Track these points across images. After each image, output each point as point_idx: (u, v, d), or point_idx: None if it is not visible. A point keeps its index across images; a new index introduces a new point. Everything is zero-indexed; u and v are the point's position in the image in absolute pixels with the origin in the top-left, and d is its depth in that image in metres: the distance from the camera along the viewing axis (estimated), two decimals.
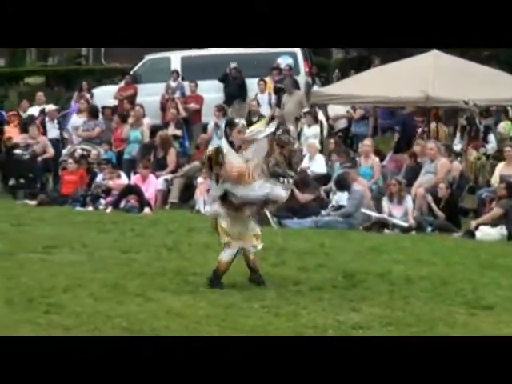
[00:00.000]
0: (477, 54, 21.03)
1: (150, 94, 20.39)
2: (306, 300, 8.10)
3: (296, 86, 19.53)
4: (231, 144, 8.81)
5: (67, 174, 16.55)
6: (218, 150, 8.50)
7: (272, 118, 9.18)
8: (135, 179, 16.01)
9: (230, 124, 9.14)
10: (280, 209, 14.26)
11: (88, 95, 20.28)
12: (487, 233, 12.87)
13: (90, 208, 15.37)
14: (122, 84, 21.20)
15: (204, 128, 18.71)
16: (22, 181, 16.76)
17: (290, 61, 20.45)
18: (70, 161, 16.69)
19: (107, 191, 15.70)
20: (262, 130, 8.76)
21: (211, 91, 20.21)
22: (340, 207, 13.95)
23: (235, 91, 20.08)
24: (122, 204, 15.22)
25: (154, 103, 19.96)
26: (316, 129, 17.48)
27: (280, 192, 8.97)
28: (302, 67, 20.81)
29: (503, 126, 17.98)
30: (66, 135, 18.70)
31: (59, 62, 32.61)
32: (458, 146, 17.01)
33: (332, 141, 17.35)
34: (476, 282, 9.20)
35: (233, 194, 8.53)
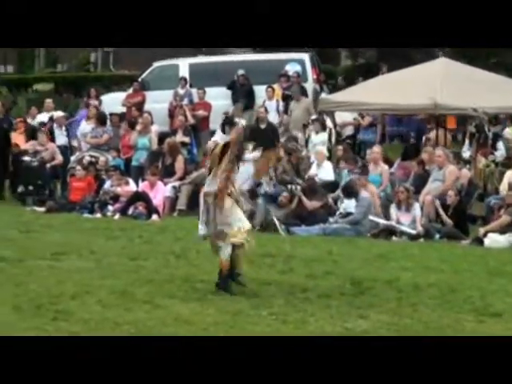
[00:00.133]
0: (485, 61, 21.03)
1: (158, 101, 20.43)
2: (314, 307, 8.09)
3: (304, 93, 19.54)
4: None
5: (75, 181, 16.57)
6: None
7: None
8: (143, 186, 16.02)
9: (230, 123, 9.17)
10: (288, 216, 14.31)
11: (96, 102, 20.30)
12: (496, 240, 12.84)
13: (98, 215, 15.39)
14: (131, 91, 21.24)
15: (212, 135, 18.72)
16: (30, 187, 16.78)
17: (298, 68, 20.47)
18: (79, 167, 16.71)
19: (115, 198, 15.72)
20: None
21: (219, 98, 20.24)
22: (348, 214, 13.94)
23: (243, 98, 20.08)
24: (130, 211, 15.23)
25: (162, 110, 19.99)
26: (324, 136, 17.48)
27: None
28: (310, 74, 20.82)
29: (509, 132, 17.96)
30: (73, 142, 18.72)
31: (68, 69, 32.70)
32: (466, 153, 17.00)
33: (340, 148, 17.35)
34: (484, 289, 9.19)
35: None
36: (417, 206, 13.83)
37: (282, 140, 17.58)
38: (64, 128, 18.76)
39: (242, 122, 9.27)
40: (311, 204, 14.46)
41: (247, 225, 8.76)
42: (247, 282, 8.90)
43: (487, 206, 14.47)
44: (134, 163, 17.45)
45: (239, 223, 8.63)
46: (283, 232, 13.47)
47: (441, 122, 17.60)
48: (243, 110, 19.84)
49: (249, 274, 9.35)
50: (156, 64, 21.99)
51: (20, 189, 16.95)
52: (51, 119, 19.01)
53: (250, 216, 14.27)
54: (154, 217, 14.98)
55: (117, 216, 15.18)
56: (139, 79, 21.46)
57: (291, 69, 20.41)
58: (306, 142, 17.73)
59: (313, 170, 16.02)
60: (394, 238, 13.50)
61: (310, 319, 7.63)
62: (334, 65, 30.78)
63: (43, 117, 19.49)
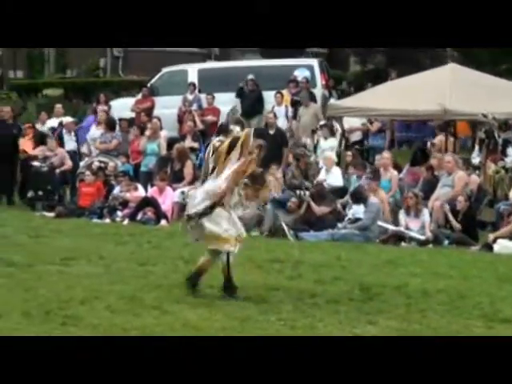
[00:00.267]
0: (493, 67, 21.02)
1: (167, 107, 20.45)
2: (323, 313, 8.09)
3: (312, 98, 19.54)
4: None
5: (85, 186, 16.61)
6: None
7: None
8: (152, 191, 16.04)
9: (224, 131, 9.20)
10: (296, 221, 14.31)
11: (105, 107, 20.32)
12: (505, 246, 12.81)
13: (107, 220, 15.42)
14: (140, 96, 21.27)
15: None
16: (40, 193, 16.83)
17: (306, 73, 20.47)
18: (88, 173, 16.74)
19: (124, 203, 15.75)
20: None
21: (228, 104, 20.26)
22: (356, 220, 13.93)
23: (252, 104, 20.09)
24: (139, 216, 15.25)
25: (171, 116, 20.02)
26: (332, 141, 17.48)
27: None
28: (319, 80, 20.82)
29: None
30: (82, 149, 18.75)
31: (77, 74, 32.78)
32: (476, 159, 16.96)
33: (349, 153, 17.34)
34: (494, 295, 9.16)
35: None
36: (426, 212, 13.81)
37: (290, 145, 17.63)
38: (73, 133, 18.80)
39: (236, 129, 9.28)
40: (320, 209, 14.45)
41: (241, 232, 8.68)
42: (257, 288, 8.90)
43: (497, 212, 14.44)
44: (142, 169, 17.48)
45: (232, 229, 8.58)
46: (292, 237, 13.44)
47: (450, 127, 17.58)
48: (252, 115, 19.86)
49: (257, 280, 9.36)
50: (165, 69, 22.04)
51: (30, 194, 17.00)
52: (60, 124, 19.06)
53: (259, 222, 14.32)
54: (163, 222, 15.00)
55: (126, 221, 15.20)
56: (148, 85, 21.50)
57: (300, 74, 20.42)
58: (315, 147, 17.73)
59: (321, 176, 16.02)
60: (402, 243, 13.49)
61: (318, 325, 7.62)
62: (343, 70, 30.81)
63: (53, 122, 19.54)
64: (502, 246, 12.82)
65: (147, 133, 17.88)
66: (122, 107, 20.91)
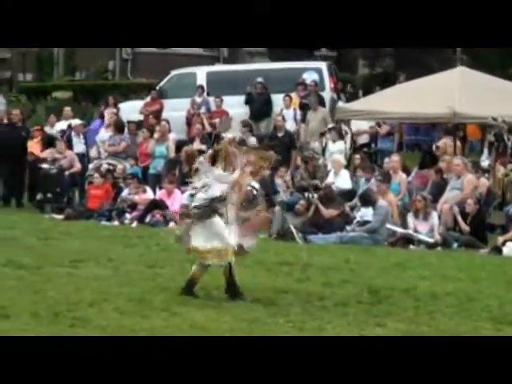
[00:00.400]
0: (503, 71, 20.99)
1: (175, 109, 20.47)
2: (331, 315, 8.08)
3: (321, 101, 19.52)
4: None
5: (93, 189, 16.64)
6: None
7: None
8: (160, 194, 16.06)
9: (217, 138, 9.29)
10: (305, 224, 14.30)
11: (114, 109, 20.36)
12: None
13: (116, 222, 15.44)
14: (148, 99, 21.30)
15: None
16: (49, 195, 16.86)
17: (315, 76, 20.45)
18: (96, 175, 16.77)
19: (133, 206, 15.77)
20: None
21: (236, 106, 20.26)
22: (365, 223, 13.92)
23: (261, 107, 20.09)
24: (148, 219, 15.28)
25: (179, 118, 20.03)
26: (341, 144, 17.48)
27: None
28: (328, 83, 20.79)
29: None
30: (90, 152, 18.78)
31: (86, 77, 32.81)
32: (485, 162, 16.94)
33: (357, 156, 17.34)
34: (502, 297, 9.15)
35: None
36: (434, 215, 13.80)
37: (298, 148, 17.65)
38: (82, 136, 18.84)
39: (228, 136, 9.35)
40: (328, 212, 14.45)
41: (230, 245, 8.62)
42: (265, 291, 8.90)
43: (506, 214, 14.42)
44: (151, 171, 17.50)
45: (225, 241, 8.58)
46: (300, 240, 13.40)
47: (459, 131, 17.56)
48: (260, 118, 19.87)
49: (266, 282, 9.36)
50: (174, 72, 22.06)
51: (39, 196, 17.05)
52: (69, 127, 19.10)
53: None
54: (171, 225, 15.01)
55: (134, 224, 15.23)
56: (157, 87, 21.53)
57: (308, 77, 20.40)
58: (323, 150, 17.73)
59: (330, 179, 16.01)
60: (411, 246, 13.48)
61: (327, 327, 7.62)
62: (351, 73, 30.79)
63: (62, 125, 19.58)
64: (511, 248, 12.80)
65: (156, 135, 17.91)
66: (131, 110, 20.94)
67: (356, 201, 14.89)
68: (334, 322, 7.77)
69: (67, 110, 20.47)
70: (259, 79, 20.33)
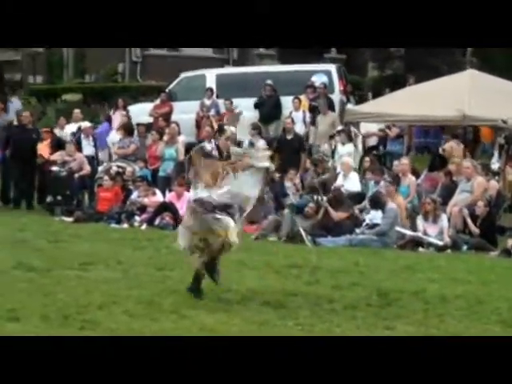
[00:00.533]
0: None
1: (185, 112, 20.49)
2: (340, 318, 8.08)
3: (330, 104, 19.50)
4: (218, 148, 8.86)
5: (103, 191, 16.67)
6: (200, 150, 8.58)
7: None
8: (170, 197, 16.08)
9: (220, 130, 9.27)
10: (314, 227, 14.30)
11: (123, 112, 20.38)
12: None
13: (125, 225, 15.47)
14: (158, 101, 21.34)
15: (239, 146, 18.70)
16: (58, 198, 16.91)
17: (324, 79, 20.45)
18: (106, 178, 16.80)
19: (142, 208, 15.80)
20: (258, 158, 8.66)
21: (246, 109, 20.26)
22: (374, 225, 13.92)
23: (270, 109, 20.09)
24: (157, 221, 15.30)
25: (189, 121, 20.06)
26: (350, 147, 17.47)
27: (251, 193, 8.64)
28: (337, 85, 20.78)
29: None
30: (100, 154, 18.82)
31: (96, 79, 32.90)
32: (495, 164, 16.92)
33: (367, 159, 17.33)
34: None
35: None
36: (444, 218, 13.78)
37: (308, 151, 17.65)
38: (91, 138, 18.88)
39: (230, 129, 9.40)
40: (337, 215, 14.44)
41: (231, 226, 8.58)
42: (272, 293, 8.90)
43: None
44: (160, 174, 17.53)
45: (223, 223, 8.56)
46: (309, 243, 13.47)
47: (469, 134, 17.55)
48: (270, 120, 19.87)
49: (275, 285, 9.36)
50: (183, 75, 22.10)
51: (48, 199, 17.09)
52: (79, 129, 19.14)
53: (277, 227, 14.33)
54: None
55: (144, 226, 15.25)
56: (166, 90, 21.56)
57: (318, 80, 20.40)
58: (333, 152, 17.72)
59: (339, 181, 16.01)
60: (420, 249, 13.47)
61: (336, 330, 7.62)
62: (361, 76, 30.78)
63: (72, 127, 19.62)
64: None
65: (165, 138, 17.94)
66: (140, 112, 20.99)
67: (365, 203, 14.89)
68: (343, 325, 7.77)
69: (77, 112, 20.51)
70: (268, 81, 20.34)
